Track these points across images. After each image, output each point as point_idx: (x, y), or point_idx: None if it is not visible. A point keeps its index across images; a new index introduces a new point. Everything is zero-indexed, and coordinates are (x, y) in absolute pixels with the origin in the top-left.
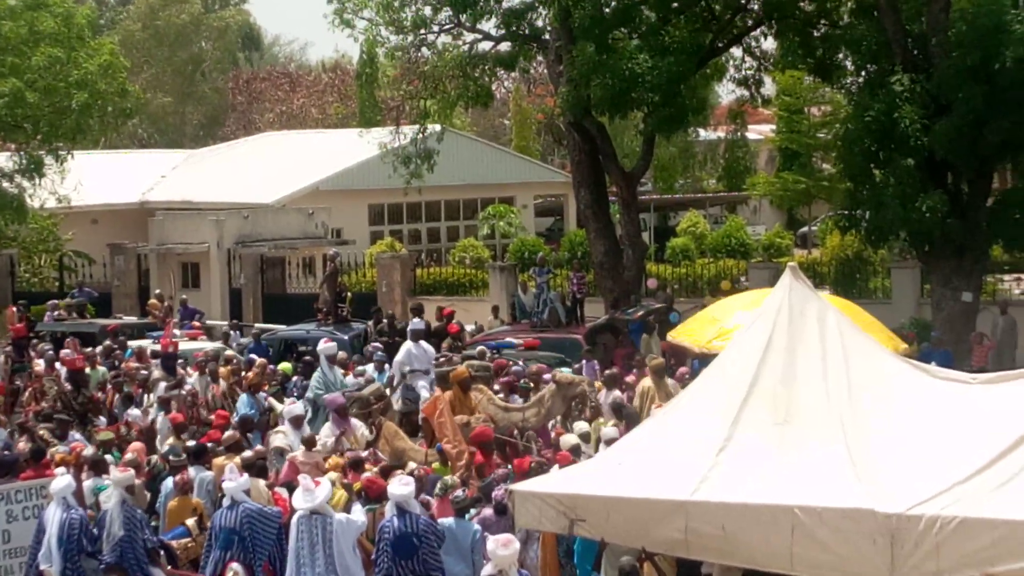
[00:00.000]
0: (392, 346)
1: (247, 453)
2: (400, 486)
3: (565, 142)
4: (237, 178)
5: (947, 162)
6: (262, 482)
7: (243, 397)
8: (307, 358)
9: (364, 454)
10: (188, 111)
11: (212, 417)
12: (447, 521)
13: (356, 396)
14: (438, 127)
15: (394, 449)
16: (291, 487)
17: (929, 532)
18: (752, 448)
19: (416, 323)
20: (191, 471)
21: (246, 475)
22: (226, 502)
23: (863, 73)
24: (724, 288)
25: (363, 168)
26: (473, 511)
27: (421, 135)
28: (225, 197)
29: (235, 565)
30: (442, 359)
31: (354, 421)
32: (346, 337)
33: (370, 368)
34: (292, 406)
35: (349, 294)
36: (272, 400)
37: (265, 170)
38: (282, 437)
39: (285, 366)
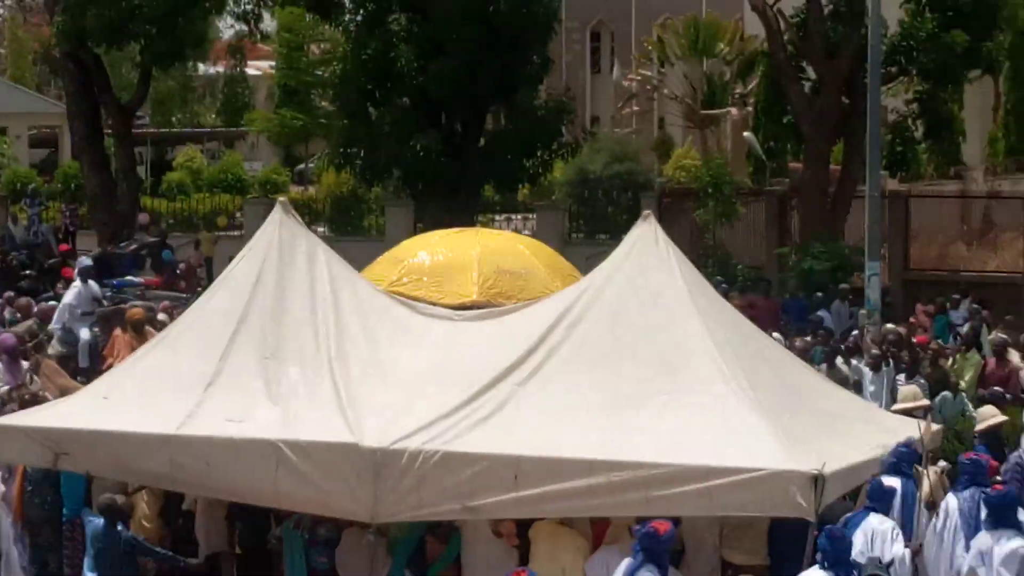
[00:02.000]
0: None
1: None
2: None
3: (61, 73)
4: None
5: (442, 102)
6: None
7: None
8: None
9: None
10: None
11: None
12: None
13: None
14: None
15: (58, 387)
16: None
17: (412, 466)
18: (240, 383)
19: (84, 261)
20: None
21: None
22: None
23: (361, 11)
24: (220, 224)
25: None
26: None
27: None
28: None
29: None
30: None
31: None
32: None
33: None
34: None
35: None
36: None
37: None
38: None
39: None
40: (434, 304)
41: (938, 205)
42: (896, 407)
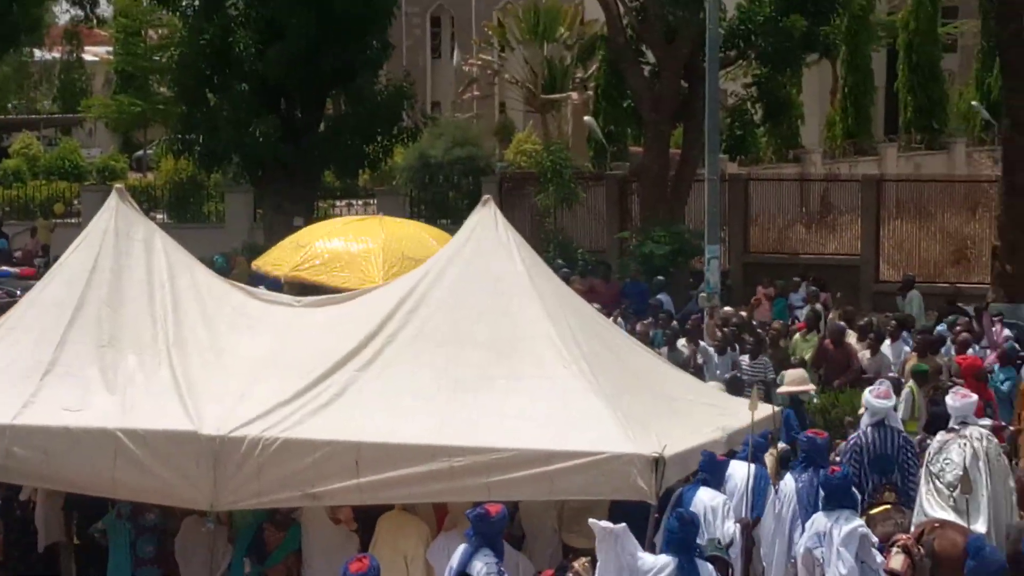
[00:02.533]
0: None
1: None
2: None
3: None
4: None
5: (281, 88)
6: None
7: None
8: None
9: None
10: None
11: None
12: None
13: None
14: None
15: None
16: None
17: (251, 454)
18: (77, 371)
19: None
20: None
21: None
22: None
23: None
24: (57, 211)
25: None
26: None
27: None
28: None
29: None
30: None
31: None
32: None
33: None
34: None
35: None
36: None
37: None
38: None
39: None
40: (338, 289)
41: (777, 188)
42: (782, 390)
